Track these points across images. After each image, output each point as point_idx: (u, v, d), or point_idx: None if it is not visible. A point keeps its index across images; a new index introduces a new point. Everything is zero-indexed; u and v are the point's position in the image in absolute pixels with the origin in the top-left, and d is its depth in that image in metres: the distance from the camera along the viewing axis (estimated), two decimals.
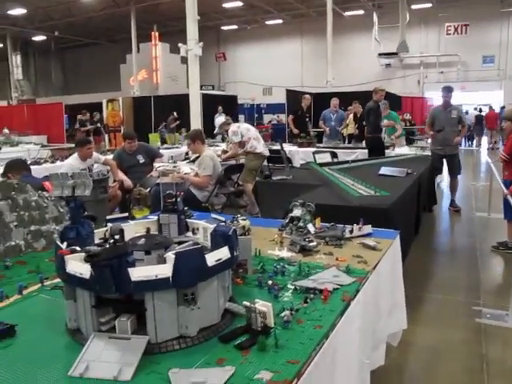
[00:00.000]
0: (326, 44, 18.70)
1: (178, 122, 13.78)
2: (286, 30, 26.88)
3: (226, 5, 22.65)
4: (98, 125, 14.34)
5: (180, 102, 13.48)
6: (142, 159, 6.17)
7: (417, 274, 4.27)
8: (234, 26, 27.77)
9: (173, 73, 21.67)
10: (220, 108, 14.02)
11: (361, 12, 23.96)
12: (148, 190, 5.65)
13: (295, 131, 9.85)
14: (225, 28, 28.14)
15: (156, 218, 2.04)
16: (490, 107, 20.16)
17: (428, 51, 23.76)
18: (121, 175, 5.78)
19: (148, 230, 1.92)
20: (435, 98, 19.88)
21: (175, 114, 13.91)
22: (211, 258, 1.48)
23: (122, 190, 5.72)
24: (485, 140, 19.92)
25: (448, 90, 7.09)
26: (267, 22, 26.88)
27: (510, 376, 2.83)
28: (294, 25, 26.55)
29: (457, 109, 7.17)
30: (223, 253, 1.55)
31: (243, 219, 2.70)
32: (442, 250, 5.49)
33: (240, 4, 22.69)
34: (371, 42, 21.24)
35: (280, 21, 26.54)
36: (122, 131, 14.30)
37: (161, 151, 7.85)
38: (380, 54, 22.79)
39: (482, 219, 6.65)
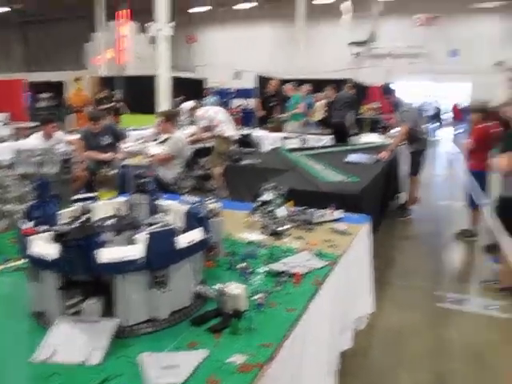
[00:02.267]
0: (296, 30, 18.67)
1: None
2: (257, 14, 26.59)
3: None
4: (119, 104, 13.68)
5: (146, 84, 13.21)
6: (107, 140, 6.01)
7: (382, 260, 4.34)
8: (208, 7, 27.26)
9: (141, 53, 21.15)
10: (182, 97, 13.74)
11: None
12: (114, 171, 5.53)
13: (260, 113, 9.88)
14: (196, 10, 27.61)
15: (126, 198, 1.99)
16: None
17: (397, 42, 24.01)
18: (91, 154, 5.64)
19: (118, 210, 1.87)
20: (402, 88, 20.18)
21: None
22: (184, 240, 1.45)
23: (89, 172, 5.57)
24: (449, 130, 20.36)
25: (385, 92, 6.56)
26: (240, 6, 26.53)
27: (468, 356, 2.93)
28: (265, 9, 26.30)
29: (401, 109, 6.21)
30: (196, 234, 1.52)
31: (212, 202, 2.67)
32: (406, 235, 5.60)
33: None
34: (342, 29, 21.28)
35: (252, 4, 26.24)
36: (87, 111, 13.87)
37: (129, 132, 7.69)
38: (350, 43, 22.88)
39: (444, 207, 6.82)
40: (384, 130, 11.31)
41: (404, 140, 6.00)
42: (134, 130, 9.14)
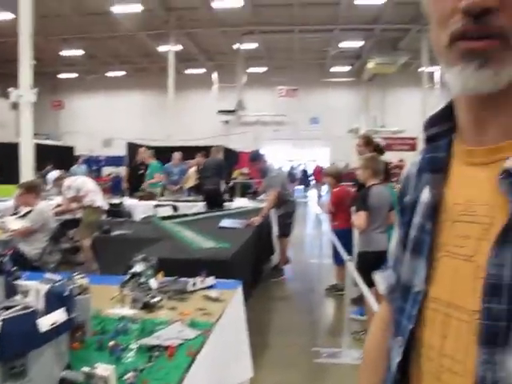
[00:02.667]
0: (167, 98, 19.16)
1: None
2: (127, 82, 26.85)
3: (65, 52, 21.86)
4: None
5: (6, 152, 12.38)
6: None
7: (258, 322, 4.42)
8: (74, 74, 26.83)
9: (0, 119, 19.86)
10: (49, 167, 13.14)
11: (202, 70, 25.18)
12: None
13: (124, 185, 9.82)
14: (63, 76, 27.01)
15: None
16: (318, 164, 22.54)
17: (263, 110, 25.82)
18: None
19: None
20: (269, 154, 21.52)
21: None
22: (45, 322, 1.36)
23: None
24: (314, 192, 21.89)
25: (251, 159, 6.71)
26: (108, 74, 26.56)
27: None
28: (135, 78, 26.68)
29: (267, 176, 6.43)
30: (59, 316, 1.43)
31: (80, 277, 2.54)
32: (280, 296, 5.80)
33: (80, 53, 22.12)
34: (211, 99, 22.32)
35: (122, 73, 26.45)
36: None
37: None
38: (219, 111, 24.01)
39: (314, 265, 7.22)
40: (254, 194, 11.84)
41: (274, 204, 6.31)
42: None
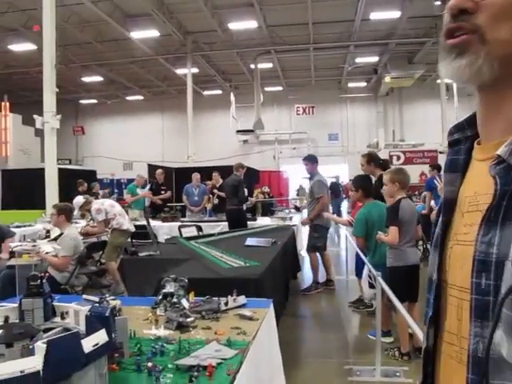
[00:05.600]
0: (186, 120, 19.38)
1: None
2: (146, 105, 27.29)
3: (85, 79, 22.41)
4: None
5: (32, 177, 12.66)
6: None
7: (290, 340, 4.37)
8: (94, 100, 27.43)
9: (25, 146, 20.33)
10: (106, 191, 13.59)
11: (219, 92, 25.47)
12: None
13: (158, 201, 9.96)
14: (84, 102, 27.63)
15: (15, 304, 1.83)
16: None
17: (281, 129, 25.93)
18: None
19: (6, 318, 1.71)
20: (289, 172, 21.52)
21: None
22: (88, 344, 1.36)
23: None
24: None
25: (305, 158, 6.97)
26: (128, 98, 27.06)
27: None
28: (154, 101, 27.11)
29: (312, 180, 6.73)
30: (100, 336, 1.43)
31: (112, 299, 2.55)
32: (309, 314, 5.73)
33: (100, 79, 22.64)
34: (229, 119, 22.50)
35: (141, 97, 26.92)
36: None
37: (12, 229, 7.19)
38: (238, 131, 24.17)
39: (341, 281, 7.14)
40: (272, 212, 11.85)
41: (322, 210, 6.32)
42: (17, 226, 8.57)
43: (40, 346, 1.25)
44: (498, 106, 0.69)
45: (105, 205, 6.25)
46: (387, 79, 20.36)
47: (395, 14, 15.44)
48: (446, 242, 0.75)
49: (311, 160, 6.87)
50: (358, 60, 20.75)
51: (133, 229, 6.34)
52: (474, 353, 0.61)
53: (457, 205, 0.75)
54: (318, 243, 6.61)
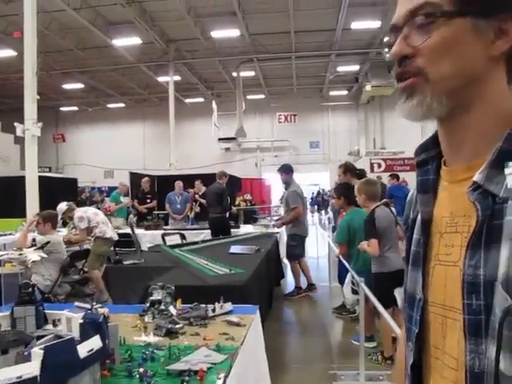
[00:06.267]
0: (168, 128, 19.37)
1: None
2: (128, 113, 27.18)
3: (66, 86, 22.23)
4: None
5: (12, 185, 12.50)
6: None
7: (275, 346, 4.41)
8: (75, 108, 27.20)
9: (4, 153, 20.04)
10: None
11: (201, 99, 25.52)
12: None
13: (144, 210, 9.92)
14: (64, 109, 27.37)
15: (4, 313, 1.85)
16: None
17: (263, 136, 26.07)
18: None
19: None
20: (271, 179, 21.65)
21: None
22: (83, 349, 1.39)
23: None
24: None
25: (280, 169, 7.03)
26: (109, 105, 26.91)
27: None
28: (136, 108, 27.02)
29: (288, 190, 6.85)
30: (95, 343, 1.46)
31: (100, 307, 2.57)
32: (294, 320, 5.79)
33: (81, 86, 22.48)
34: (211, 127, 22.54)
35: (122, 104, 26.80)
36: None
37: None
38: (220, 139, 24.21)
39: (324, 288, 7.21)
40: (255, 220, 11.90)
41: (295, 219, 6.44)
42: None
43: (37, 352, 1.28)
44: (458, 133, 0.74)
45: (88, 213, 6.21)
46: (368, 88, 20.67)
47: (376, 24, 15.73)
48: (426, 261, 0.78)
49: (286, 170, 6.98)
50: (340, 69, 21.03)
51: (116, 237, 6.31)
52: (471, 368, 0.64)
53: (433, 225, 0.78)
54: (296, 251, 6.75)
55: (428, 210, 0.79)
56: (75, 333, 1.64)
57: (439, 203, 0.78)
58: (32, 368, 1.25)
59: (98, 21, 14.86)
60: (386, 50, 0.78)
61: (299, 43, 17.54)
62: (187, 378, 1.71)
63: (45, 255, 4.70)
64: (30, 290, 1.82)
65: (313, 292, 6.82)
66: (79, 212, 6.16)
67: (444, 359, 0.71)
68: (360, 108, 25.76)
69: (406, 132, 23.22)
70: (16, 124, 9.22)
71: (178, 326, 2.34)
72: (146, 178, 10.69)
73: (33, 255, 4.48)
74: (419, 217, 0.81)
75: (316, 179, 26.20)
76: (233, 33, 16.29)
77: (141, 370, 1.77)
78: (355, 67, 21.08)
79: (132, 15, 14.27)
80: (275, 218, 8.02)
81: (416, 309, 0.78)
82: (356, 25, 15.75)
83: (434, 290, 0.75)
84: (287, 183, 6.91)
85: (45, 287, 4.95)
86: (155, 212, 11.04)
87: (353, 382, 3.75)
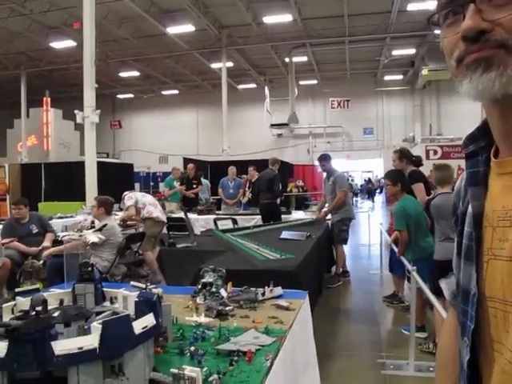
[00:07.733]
0: (221, 114, 19.55)
1: None
2: (182, 100, 27.65)
3: (123, 74, 22.89)
4: None
5: (72, 170, 13.12)
6: (35, 229, 5.83)
7: (323, 332, 4.41)
8: (130, 95, 27.98)
9: (65, 139, 20.98)
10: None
11: (253, 85, 25.56)
12: (41, 262, 5.34)
13: (191, 195, 10.12)
14: (121, 96, 28.22)
15: (69, 289, 1.96)
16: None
17: (316, 123, 25.81)
18: (16, 245, 5.51)
19: (61, 301, 1.84)
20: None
21: None
22: (138, 326, 1.46)
23: (13, 263, 5.33)
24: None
25: (320, 159, 7.12)
26: (163, 92, 27.49)
27: None
28: (189, 95, 27.43)
29: (334, 176, 6.82)
30: (149, 320, 1.53)
31: (154, 287, 2.66)
32: (343, 307, 5.76)
33: (136, 74, 23.08)
34: (264, 113, 22.56)
35: (176, 91, 27.29)
36: (9, 200, 13.37)
37: (54, 220, 7.52)
38: (272, 125, 24.20)
39: (375, 276, 7.12)
40: (307, 206, 11.86)
41: (340, 205, 6.40)
42: (60, 217, 8.90)
43: (96, 326, 1.36)
44: None
45: (136, 194, 6.53)
46: (424, 72, 19.93)
47: (433, 5, 15.08)
48: (479, 255, 0.75)
49: (325, 159, 6.99)
50: (395, 52, 20.41)
51: (164, 219, 6.49)
52: None
53: (484, 218, 0.75)
54: (346, 235, 6.77)
55: (479, 203, 0.77)
56: (131, 310, 1.72)
57: (490, 196, 0.75)
58: (92, 340, 1.33)
59: (152, 9, 15.16)
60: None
61: (353, 27, 17.15)
62: (236, 358, 1.75)
63: (103, 237, 4.91)
64: (90, 269, 1.92)
65: (347, 278, 6.85)
66: (128, 193, 6.48)
67: (506, 354, 0.69)
68: (416, 93, 24.93)
69: (463, 118, 22.35)
70: (76, 111, 9.63)
71: (228, 308, 2.39)
72: (191, 165, 10.85)
73: (92, 236, 4.69)
74: (470, 210, 0.79)
75: (369, 166, 25.72)
76: (285, 18, 16.15)
77: (192, 348, 1.84)
78: (411, 51, 20.37)
79: (185, 2, 14.44)
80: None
81: (471, 304, 0.76)
82: (412, 6, 15.18)
83: (492, 285, 0.73)
84: (330, 171, 6.91)
85: (103, 268, 5.18)
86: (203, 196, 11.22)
87: (402, 371, 3.70)
